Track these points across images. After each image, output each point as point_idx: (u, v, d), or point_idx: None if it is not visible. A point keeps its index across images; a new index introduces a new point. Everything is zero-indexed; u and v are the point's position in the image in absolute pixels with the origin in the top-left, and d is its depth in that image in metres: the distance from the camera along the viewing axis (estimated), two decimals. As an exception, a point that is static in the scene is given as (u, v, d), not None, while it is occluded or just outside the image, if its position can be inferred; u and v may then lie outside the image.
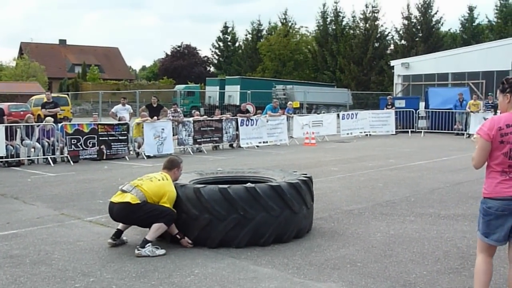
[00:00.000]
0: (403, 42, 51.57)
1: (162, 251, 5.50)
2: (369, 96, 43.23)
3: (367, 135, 22.71)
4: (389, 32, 54.36)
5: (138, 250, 5.46)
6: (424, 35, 49.72)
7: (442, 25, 52.22)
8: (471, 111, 21.60)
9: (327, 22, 56.59)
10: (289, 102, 22.94)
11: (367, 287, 4.55)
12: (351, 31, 54.55)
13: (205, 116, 19.47)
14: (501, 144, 3.54)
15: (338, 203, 8.18)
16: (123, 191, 5.74)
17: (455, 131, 22.63)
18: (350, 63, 51.22)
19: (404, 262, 5.17)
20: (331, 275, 4.84)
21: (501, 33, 46.31)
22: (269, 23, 66.21)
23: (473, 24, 52.36)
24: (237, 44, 67.20)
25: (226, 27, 67.08)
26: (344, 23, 56.06)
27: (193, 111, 25.89)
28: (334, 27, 56.07)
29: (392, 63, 33.04)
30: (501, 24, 48.73)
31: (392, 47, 53.56)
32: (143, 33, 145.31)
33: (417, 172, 11.59)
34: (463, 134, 21.99)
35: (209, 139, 17.58)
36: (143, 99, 29.99)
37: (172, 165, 6.10)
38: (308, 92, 35.92)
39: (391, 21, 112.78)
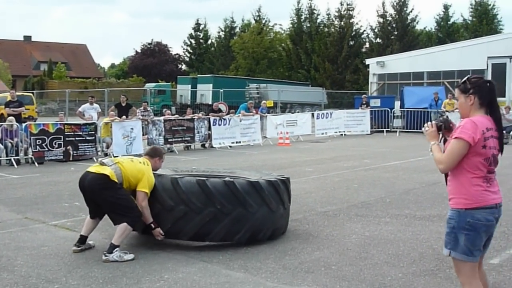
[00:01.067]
0: (378, 40, 52.12)
1: (130, 256, 5.41)
2: (344, 95, 43.61)
3: (342, 135, 22.88)
4: (364, 30, 54.93)
5: (106, 256, 5.36)
6: (399, 34, 50.35)
7: (417, 23, 53.02)
8: (446, 110, 21.94)
9: (302, 20, 56.82)
10: (263, 101, 22.95)
11: (342, 290, 4.56)
12: (326, 29, 54.88)
13: (176, 115, 19.36)
14: (484, 149, 3.32)
15: (312, 204, 8.21)
16: (102, 164, 5.68)
17: (430, 131, 22.94)
18: (325, 61, 51.51)
19: (379, 265, 5.21)
20: (305, 279, 4.84)
21: (476, 31, 47.26)
22: (243, 20, 66.24)
23: (448, 22, 53.28)
24: (209, 42, 66.94)
25: (198, 24, 66.75)
26: (318, 20, 56.38)
27: (164, 110, 25.73)
28: (308, 25, 56.33)
29: (367, 61, 33.36)
30: (476, 23, 49.68)
31: (367, 45, 54.08)
32: (112, 29, 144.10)
33: (393, 172, 11.72)
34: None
35: (180, 139, 17.45)
36: (112, 98, 29.67)
37: (155, 153, 6.14)
38: (282, 91, 36.04)
39: (366, 19, 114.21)
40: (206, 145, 18.54)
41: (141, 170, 5.67)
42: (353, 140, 20.82)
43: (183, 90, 43.85)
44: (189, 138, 17.76)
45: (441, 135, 3.59)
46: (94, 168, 5.72)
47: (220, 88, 33.80)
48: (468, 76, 3.53)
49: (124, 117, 15.81)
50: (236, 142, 18.96)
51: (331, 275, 4.93)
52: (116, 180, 5.52)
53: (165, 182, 5.75)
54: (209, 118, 18.51)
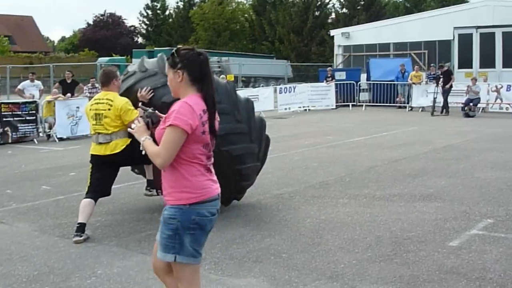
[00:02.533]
0: (344, 10, 52.01)
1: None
2: (310, 68, 43.40)
3: (306, 110, 22.74)
4: (330, 0, 54.73)
5: (81, 236, 5.44)
6: (366, 3, 50.28)
7: (384, -8, 53.09)
8: (413, 83, 21.99)
9: (265, -11, 56.21)
10: (222, 76, 22.55)
11: (291, 281, 4.39)
12: (290, -1, 54.47)
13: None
14: (203, 135, 2.98)
15: (267, 186, 8.00)
16: (102, 143, 5.62)
17: (397, 104, 23.03)
18: (290, 33, 51.16)
19: (333, 251, 5.05)
20: (252, 269, 4.65)
21: (443, 1, 47.60)
22: (202, -10, 65.08)
23: (416, -9, 53.51)
24: (167, 13, 65.61)
25: (155, -7, 65.26)
26: (282, -11, 55.86)
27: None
28: (272, -6, 55.77)
29: (332, 32, 33.05)
30: (443, -8, 50.06)
31: (333, 16, 53.94)
32: (62, 0, 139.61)
33: (355, 149, 11.62)
34: (405, 107, 22.43)
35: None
36: (61, 74, 28.64)
37: (108, 77, 5.77)
38: (244, 65, 35.63)
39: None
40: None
41: (115, 108, 5.57)
42: (317, 115, 20.70)
43: (139, 65, 42.89)
44: None
45: (150, 131, 3.15)
46: (101, 150, 5.66)
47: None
48: (179, 47, 3.10)
49: (69, 95, 15.21)
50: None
51: (280, 264, 4.74)
52: (126, 142, 5.61)
53: None
54: (164, 95, 18.07)
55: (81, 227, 5.49)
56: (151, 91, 5.85)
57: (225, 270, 4.67)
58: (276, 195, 7.43)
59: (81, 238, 5.46)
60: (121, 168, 6.09)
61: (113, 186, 7.93)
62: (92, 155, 5.76)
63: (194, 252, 3.00)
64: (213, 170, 3.13)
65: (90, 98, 15.68)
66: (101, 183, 5.81)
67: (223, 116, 5.72)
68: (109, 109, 5.62)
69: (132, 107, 5.58)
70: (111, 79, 5.77)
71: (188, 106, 2.93)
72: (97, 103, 5.73)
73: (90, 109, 5.77)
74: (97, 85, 17.04)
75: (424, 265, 4.60)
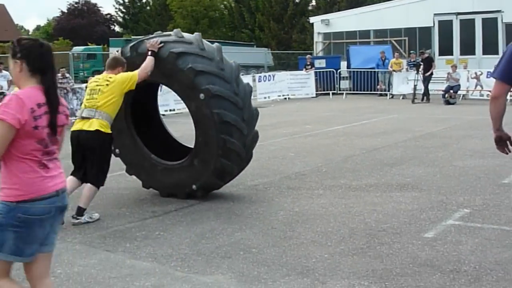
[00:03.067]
0: (325, -4, 51.76)
1: (97, 215, 5.87)
2: (291, 56, 43.13)
3: (286, 98, 22.60)
4: (310, -13, 54.40)
5: (77, 219, 5.69)
6: (346, -10, 50.12)
7: (365, -22, 52.91)
8: (394, 70, 21.98)
9: (244, -25, 55.73)
10: (198, 65, 22.30)
11: (259, 277, 4.25)
12: (270, -15, 54.04)
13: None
14: (36, 130, 2.82)
15: (242, 177, 7.77)
16: (84, 118, 5.72)
17: (378, 92, 23.02)
18: (270, 20, 50.82)
19: (305, 245, 4.93)
20: (220, 266, 4.50)
21: (425, -13, 47.57)
22: (181, -23, 64.32)
23: (398, -23, 53.46)
24: (144, 0, 64.85)
25: (131, -20, 64.37)
26: (262, -24, 55.43)
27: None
28: (251, -20, 55.32)
29: (312, 20, 32.82)
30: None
31: (314, 2, 53.67)
32: None
33: (333, 138, 11.52)
34: (386, 95, 22.42)
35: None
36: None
37: (116, 63, 6.07)
38: (223, 53, 35.23)
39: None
40: (138, 113, 17.93)
41: (115, 82, 5.77)
42: (297, 104, 20.58)
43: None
44: None
45: None
46: (79, 124, 5.74)
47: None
48: (20, 37, 3.02)
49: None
50: (170, 110, 18.37)
51: (250, 260, 4.60)
52: (108, 130, 5.74)
53: None
54: (138, 85, 17.81)
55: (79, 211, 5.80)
56: (161, 43, 6.28)
57: (192, 266, 4.52)
58: (250, 187, 7.29)
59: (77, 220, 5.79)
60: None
61: None
62: (72, 132, 5.75)
63: (17, 249, 2.91)
64: (55, 165, 2.98)
65: (60, 88, 15.41)
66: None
67: (222, 82, 6.13)
68: (107, 85, 5.79)
69: (128, 77, 5.86)
70: (118, 65, 6.05)
71: (18, 99, 2.79)
72: (96, 82, 5.96)
73: (87, 87, 6.07)
74: (67, 75, 16.72)
75: (398, 258, 4.50)
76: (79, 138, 5.72)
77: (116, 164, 8.89)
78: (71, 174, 5.83)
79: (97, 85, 5.85)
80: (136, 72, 5.89)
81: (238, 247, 4.93)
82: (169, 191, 6.71)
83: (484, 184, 7.06)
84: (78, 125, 5.78)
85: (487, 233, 5.09)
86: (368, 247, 4.79)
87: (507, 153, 3.93)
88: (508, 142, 3.83)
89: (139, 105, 7.08)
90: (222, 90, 6.07)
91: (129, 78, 5.86)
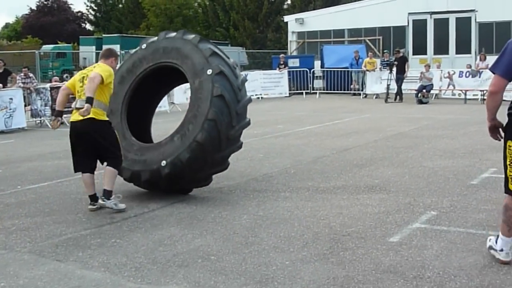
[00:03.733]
0: (300, -5, 51.71)
1: (123, 206, 6.11)
2: (266, 55, 42.92)
3: (259, 98, 22.46)
4: (285, -15, 54.28)
5: (104, 200, 6.01)
6: (322, -11, 50.19)
7: (341, -23, 53.00)
8: (367, 70, 22.01)
9: (218, -27, 55.43)
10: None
11: (216, 287, 4.08)
12: (245, -17, 53.85)
13: (64, 82, 18.20)
14: None
15: (207, 180, 7.67)
16: (78, 108, 5.87)
17: (351, 91, 23.03)
18: (245, 19, 50.59)
19: (267, 251, 4.77)
20: (175, 275, 4.32)
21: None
22: (154, -26, 63.69)
23: (372, -24, 53.70)
24: (116, -2, 64.05)
25: (102, -23, 63.49)
26: (237, -26, 55.19)
27: (65, 75, 24.26)
28: (226, -21, 55.04)
29: (286, 18, 32.76)
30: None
31: (289, 1, 53.61)
32: None
33: (304, 138, 11.41)
34: (359, 94, 22.44)
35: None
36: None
37: (110, 53, 6.43)
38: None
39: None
40: (106, 114, 17.65)
41: (99, 70, 5.96)
42: (269, 103, 20.45)
43: (87, 52, 41.67)
44: None
45: None
46: (75, 115, 5.97)
47: (129, 49, 32.35)
48: None
49: (0, 85, 14.52)
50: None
51: (207, 268, 4.43)
52: (103, 117, 6.05)
53: None
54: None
55: (93, 197, 6.21)
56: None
57: (146, 276, 4.32)
58: (215, 189, 7.10)
59: (94, 206, 6.17)
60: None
61: (39, 184, 7.64)
62: (70, 123, 6.14)
63: None
64: None
65: (24, 88, 15.07)
66: (82, 159, 6.21)
67: (231, 71, 6.69)
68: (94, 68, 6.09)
69: (111, 79, 6.10)
70: (112, 56, 6.38)
71: None
72: (86, 69, 6.34)
73: (79, 74, 6.27)
74: (31, 74, 16.32)
75: (361, 264, 4.37)
76: (76, 128, 6.04)
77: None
78: (81, 171, 6.21)
79: (86, 74, 6.08)
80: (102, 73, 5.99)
81: (196, 255, 4.75)
82: (138, 169, 6.61)
83: (453, 185, 7.00)
84: (74, 116, 6.04)
85: (453, 236, 5.00)
86: (331, 253, 4.66)
87: (499, 140, 4.37)
88: (500, 129, 4.27)
89: (142, 93, 7.46)
90: (229, 73, 6.60)
91: (111, 73, 6.13)
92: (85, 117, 5.82)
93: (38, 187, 7.68)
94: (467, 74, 20.53)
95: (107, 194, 6.04)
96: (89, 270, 4.49)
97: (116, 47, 37.79)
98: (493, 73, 4.08)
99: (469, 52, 26.26)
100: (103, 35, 48.66)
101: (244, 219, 5.76)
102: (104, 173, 6.18)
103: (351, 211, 5.91)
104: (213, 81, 6.41)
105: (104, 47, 31.68)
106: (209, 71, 6.44)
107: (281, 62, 23.43)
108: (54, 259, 4.76)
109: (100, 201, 6.09)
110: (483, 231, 5.11)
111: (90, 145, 6.13)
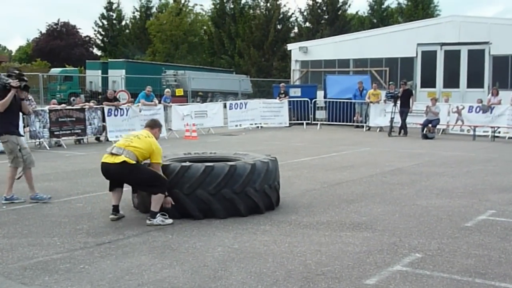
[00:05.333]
0: (307, 24, 52.24)
1: (170, 221, 6.77)
2: (271, 84, 43.28)
3: (258, 127, 22.45)
4: (292, 13, 54.97)
5: (150, 220, 6.69)
6: (330, 18, 50.65)
7: (349, 6, 53.54)
8: (371, 102, 21.94)
9: (225, 0, 56.11)
10: (166, 90, 22.11)
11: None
12: (251, 11, 54.48)
13: (63, 105, 18.41)
14: None
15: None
16: (113, 154, 6.73)
17: (354, 123, 22.97)
18: (250, 46, 51.10)
19: (233, 287, 4.64)
20: (134, 309, 4.20)
21: (411, 17, 48.02)
22: (160, 0, 64.66)
23: (382, 6, 54.10)
24: (123, 23, 64.94)
25: (110, 3, 64.17)
26: (243, 1, 55.86)
27: (72, 98, 24.66)
28: (232, 6, 55.73)
29: (289, 47, 32.64)
30: (411, 7, 50.70)
31: (296, 30, 54.12)
32: (20, 9, 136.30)
33: (297, 170, 11.32)
34: (362, 127, 22.37)
35: (69, 131, 16.93)
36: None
37: (154, 124, 7.35)
38: (200, 79, 35.24)
39: (294, 1, 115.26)
40: (102, 138, 17.81)
41: (149, 142, 6.88)
42: (268, 133, 20.43)
43: (93, 76, 42.20)
44: (79, 131, 17.19)
45: None
46: (108, 158, 6.79)
47: (134, 74, 32.64)
48: None
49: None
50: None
51: (169, 303, 4.31)
52: (134, 162, 6.69)
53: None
54: (103, 108, 17.65)
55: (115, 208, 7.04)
56: None
57: (103, 309, 4.22)
58: (194, 219, 6.99)
59: (116, 216, 6.97)
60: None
61: (24, 205, 7.93)
62: (101, 164, 6.95)
63: None
64: None
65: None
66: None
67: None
68: (146, 137, 6.95)
69: (161, 160, 6.98)
70: (157, 127, 7.33)
71: None
72: (137, 132, 7.33)
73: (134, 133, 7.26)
74: (30, 97, 16.49)
75: None
76: (109, 170, 6.85)
77: (63, 191, 8.65)
78: (111, 191, 7.09)
79: (138, 133, 7.12)
80: (160, 159, 6.94)
81: (161, 286, 4.65)
82: None
83: (445, 226, 6.82)
84: (107, 159, 6.83)
85: (435, 282, 4.80)
86: (302, 292, 4.53)
87: None
88: None
89: None
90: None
91: (153, 153, 6.86)
92: (117, 161, 6.70)
93: (22, 208, 7.80)
94: (478, 109, 20.33)
95: (153, 215, 6.71)
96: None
97: (121, 72, 38.25)
98: None
99: (482, 86, 25.89)
100: (109, 59, 49.12)
101: (217, 251, 5.65)
102: (152, 197, 6.77)
103: (331, 248, 5.77)
104: None
105: (110, 71, 32.16)
106: None
107: (282, 91, 23.47)
108: (20, 282, 4.74)
109: (147, 221, 6.74)
110: (469, 278, 4.90)
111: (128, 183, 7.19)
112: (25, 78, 8.12)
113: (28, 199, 8.14)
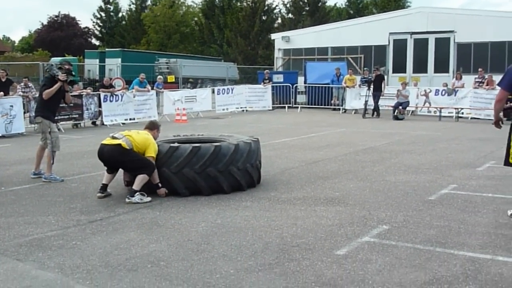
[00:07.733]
0: (290, 15, 51.89)
1: (148, 198, 6.66)
2: (256, 70, 43.01)
3: (243, 111, 22.37)
4: (276, 6, 54.65)
5: (129, 198, 6.59)
6: (310, 9, 50.29)
7: (328, -1, 53.19)
8: (347, 86, 21.96)
9: (214, -7, 55.56)
10: (159, 77, 21.93)
11: (158, 293, 3.93)
12: (238, 3, 54.00)
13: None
14: None
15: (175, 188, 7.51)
16: (114, 138, 6.82)
17: (332, 106, 22.97)
18: (237, 36, 50.67)
19: (215, 259, 4.62)
20: (122, 279, 4.17)
21: (384, 8, 48.04)
22: (154, -7, 63.84)
23: (359, -1, 53.91)
24: (120, 15, 64.20)
25: (107, -5, 63.53)
26: (231, -6, 55.32)
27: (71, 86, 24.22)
28: (221, -1, 55.19)
29: (273, 36, 32.70)
30: (385, 0, 50.54)
31: (279, 20, 53.76)
32: (24, 2, 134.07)
33: (278, 150, 11.29)
34: (339, 109, 22.37)
35: (67, 116, 16.63)
36: (16, 73, 27.98)
37: (153, 126, 7.40)
38: (191, 66, 34.87)
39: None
40: (98, 122, 17.63)
41: (146, 139, 6.91)
42: (253, 116, 20.35)
43: (91, 65, 41.63)
44: (77, 116, 16.94)
45: None
46: (107, 141, 6.85)
47: (129, 62, 32.29)
48: None
49: (1, 93, 14.51)
50: (130, 119, 18.06)
51: (154, 274, 4.28)
52: (128, 147, 6.72)
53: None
54: (99, 94, 17.47)
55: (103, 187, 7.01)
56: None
57: (95, 279, 4.17)
58: (180, 197, 6.95)
59: (103, 194, 6.94)
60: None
61: (22, 186, 7.79)
62: (100, 144, 6.97)
63: None
64: None
65: (23, 97, 15.07)
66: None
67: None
68: (145, 135, 7.00)
69: (154, 155, 6.87)
70: (155, 128, 7.38)
71: None
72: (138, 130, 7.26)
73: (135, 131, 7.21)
74: (30, 84, 16.33)
75: (303, 276, 4.22)
76: (103, 152, 6.86)
77: (59, 172, 8.57)
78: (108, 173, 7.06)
79: (138, 130, 7.12)
80: (154, 154, 6.85)
81: (147, 260, 4.61)
82: None
83: (410, 200, 6.84)
84: (106, 141, 6.88)
85: (400, 251, 4.81)
86: (277, 263, 4.51)
87: (500, 127, 6.19)
88: (500, 122, 6.09)
89: None
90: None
91: (149, 149, 6.84)
92: (114, 143, 6.75)
93: (20, 188, 7.67)
94: (443, 92, 20.45)
95: (132, 193, 6.64)
96: (44, 271, 4.35)
97: (118, 61, 37.82)
98: (500, 87, 5.92)
99: (447, 71, 26.19)
100: (106, 49, 48.56)
101: (201, 227, 5.62)
102: (136, 177, 6.74)
103: (306, 222, 5.76)
104: None
105: (107, 60, 31.67)
106: None
107: (266, 77, 23.37)
108: (15, 258, 4.65)
109: (126, 199, 6.63)
110: (430, 247, 4.91)
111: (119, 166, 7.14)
112: (73, 73, 8.40)
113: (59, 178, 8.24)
